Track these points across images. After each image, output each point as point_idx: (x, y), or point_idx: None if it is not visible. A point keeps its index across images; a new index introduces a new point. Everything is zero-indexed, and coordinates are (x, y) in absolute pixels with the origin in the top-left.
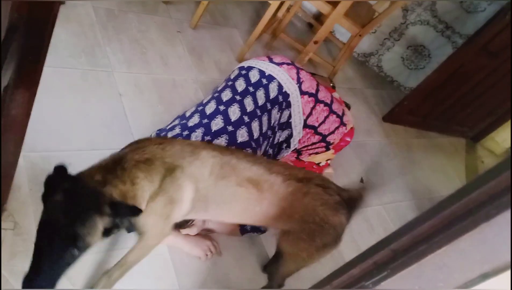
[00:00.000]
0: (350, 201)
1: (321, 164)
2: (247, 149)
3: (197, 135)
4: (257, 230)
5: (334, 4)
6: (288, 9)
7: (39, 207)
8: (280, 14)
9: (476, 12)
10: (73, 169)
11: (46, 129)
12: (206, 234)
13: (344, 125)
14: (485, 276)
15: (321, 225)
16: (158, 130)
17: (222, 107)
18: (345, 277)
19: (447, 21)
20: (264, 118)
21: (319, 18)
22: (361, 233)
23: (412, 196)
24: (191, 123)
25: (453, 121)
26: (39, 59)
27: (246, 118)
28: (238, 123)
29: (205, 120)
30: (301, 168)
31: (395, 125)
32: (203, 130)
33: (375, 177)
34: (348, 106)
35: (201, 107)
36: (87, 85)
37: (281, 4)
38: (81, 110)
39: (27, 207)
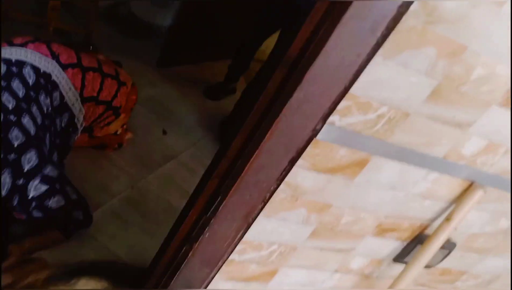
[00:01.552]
0: None
1: (118, 133)
2: (29, 150)
3: None
4: (82, 225)
5: None
6: None
7: None
8: None
9: None
10: None
11: None
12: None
13: (124, 84)
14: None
15: None
16: None
17: None
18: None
19: None
20: (35, 109)
21: None
22: (184, 179)
23: (212, 130)
24: None
25: (221, 46)
26: None
27: (12, 117)
28: (6, 126)
29: None
30: None
31: (171, 67)
32: None
33: (174, 124)
34: (119, 65)
35: None
36: None
37: None
38: None
39: None
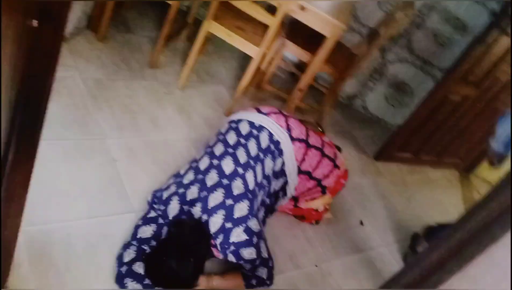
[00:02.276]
0: None
1: (319, 210)
2: (243, 200)
3: (192, 191)
4: (263, 283)
5: (314, 52)
6: (270, 62)
7: (40, 282)
8: (263, 66)
9: (451, 45)
10: (74, 240)
11: (43, 202)
12: None
13: (338, 167)
14: None
15: None
16: (154, 191)
17: (215, 161)
18: None
19: (424, 57)
20: (258, 168)
21: (301, 66)
22: (368, 278)
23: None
24: (186, 180)
25: (444, 154)
26: (37, 132)
27: (240, 170)
28: (233, 175)
29: (200, 176)
30: None
31: (387, 163)
32: (199, 186)
33: (374, 218)
34: (339, 149)
35: (195, 164)
36: (81, 154)
37: (263, 57)
38: (77, 179)
39: (29, 283)
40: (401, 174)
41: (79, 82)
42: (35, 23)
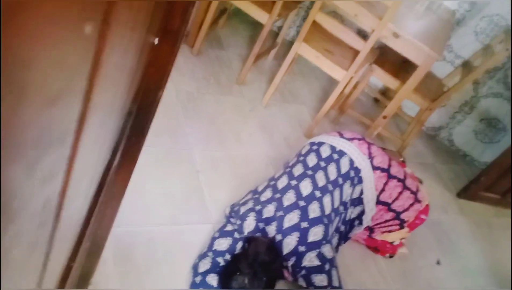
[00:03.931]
0: None
1: (394, 243)
2: (318, 225)
3: (269, 209)
4: None
5: (403, 79)
6: (355, 86)
7: (122, 282)
8: (347, 90)
9: None
10: (155, 245)
11: (131, 205)
12: None
13: (419, 201)
14: None
15: None
16: (232, 205)
17: (294, 182)
18: None
19: None
20: (336, 193)
21: (385, 92)
22: None
23: (495, 281)
24: (263, 197)
25: None
26: (141, 140)
27: (317, 193)
28: (310, 198)
29: (277, 195)
30: None
31: (471, 202)
32: (276, 205)
33: (453, 258)
34: (420, 182)
35: (273, 182)
36: (169, 162)
37: (349, 80)
38: (163, 186)
39: (111, 281)
40: (486, 215)
41: (172, 93)
42: (156, 41)
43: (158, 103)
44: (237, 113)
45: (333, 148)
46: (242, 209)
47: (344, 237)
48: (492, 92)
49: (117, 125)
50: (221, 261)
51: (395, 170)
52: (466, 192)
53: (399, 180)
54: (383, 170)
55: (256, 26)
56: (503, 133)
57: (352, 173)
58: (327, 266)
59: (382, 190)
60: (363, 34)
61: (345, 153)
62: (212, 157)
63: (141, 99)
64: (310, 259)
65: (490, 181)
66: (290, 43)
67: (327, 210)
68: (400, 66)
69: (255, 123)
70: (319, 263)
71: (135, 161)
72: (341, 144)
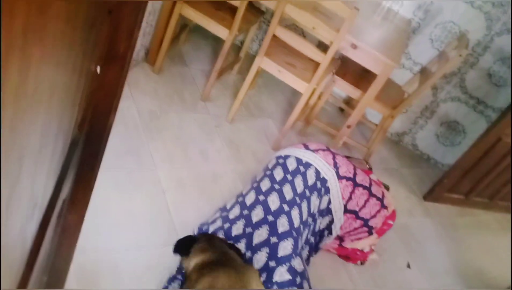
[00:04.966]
0: None
1: (365, 250)
2: (287, 238)
3: (238, 227)
4: None
5: (364, 89)
6: (319, 96)
7: None
8: (311, 101)
9: (505, 86)
10: (121, 272)
11: (95, 231)
12: None
13: (386, 207)
14: None
15: None
16: (200, 224)
17: (261, 197)
18: None
19: (478, 96)
20: (304, 206)
21: (349, 102)
22: None
23: (462, 279)
24: (232, 215)
25: (496, 197)
26: (95, 167)
27: (285, 207)
28: (278, 212)
29: (246, 211)
30: None
31: (436, 203)
32: (244, 221)
33: (421, 260)
34: (386, 188)
35: (241, 198)
36: (132, 184)
37: (313, 92)
38: (128, 209)
39: None
40: (451, 216)
41: (134, 112)
42: (98, 69)
43: (111, 127)
44: (202, 130)
45: (299, 161)
46: (211, 228)
47: (314, 248)
48: (450, 96)
49: (58, 157)
50: None
51: (361, 178)
52: (431, 195)
53: (365, 187)
54: (348, 179)
55: (218, 41)
56: (463, 135)
57: (318, 184)
58: (298, 279)
59: (349, 198)
60: (324, 46)
61: (311, 165)
62: (178, 176)
63: (89, 126)
64: (281, 274)
65: (453, 182)
66: (254, 57)
67: (296, 223)
68: (361, 76)
69: (222, 139)
70: (290, 278)
71: (91, 189)
72: (307, 156)
